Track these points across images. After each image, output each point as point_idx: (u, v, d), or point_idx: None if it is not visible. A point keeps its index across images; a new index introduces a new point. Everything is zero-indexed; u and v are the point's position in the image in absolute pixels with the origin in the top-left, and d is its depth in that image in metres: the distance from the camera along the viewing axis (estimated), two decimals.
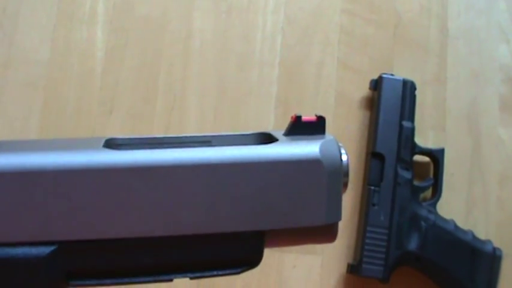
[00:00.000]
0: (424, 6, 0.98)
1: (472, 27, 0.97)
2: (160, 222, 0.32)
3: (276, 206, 0.33)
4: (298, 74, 0.95)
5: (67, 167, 0.32)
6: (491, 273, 0.85)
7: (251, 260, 0.34)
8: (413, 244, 0.85)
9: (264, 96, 0.94)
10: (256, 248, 0.34)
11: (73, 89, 0.93)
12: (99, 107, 0.93)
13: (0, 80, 0.93)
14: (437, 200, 0.89)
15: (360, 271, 0.84)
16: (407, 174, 0.87)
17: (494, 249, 0.86)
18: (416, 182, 0.89)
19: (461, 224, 0.89)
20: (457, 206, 0.91)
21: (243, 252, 0.34)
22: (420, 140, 0.91)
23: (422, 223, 0.86)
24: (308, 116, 0.36)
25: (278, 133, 0.37)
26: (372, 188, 0.87)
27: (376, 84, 0.91)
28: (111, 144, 0.35)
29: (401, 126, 0.88)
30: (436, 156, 0.90)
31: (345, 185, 0.35)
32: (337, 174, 0.34)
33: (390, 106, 0.89)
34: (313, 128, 0.36)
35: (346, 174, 0.35)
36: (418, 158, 0.91)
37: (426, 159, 0.91)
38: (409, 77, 0.91)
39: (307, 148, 0.34)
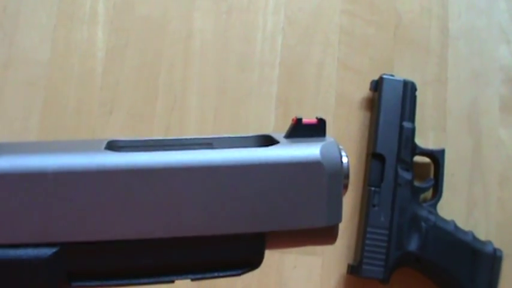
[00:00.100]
0: (425, 7, 0.98)
1: (472, 27, 0.97)
2: (162, 224, 0.33)
3: (277, 208, 0.33)
4: (299, 75, 0.95)
5: (69, 169, 0.32)
6: (492, 274, 0.85)
7: (252, 262, 0.34)
8: (413, 245, 0.85)
9: (264, 97, 0.94)
10: (257, 249, 0.34)
11: (73, 89, 0.93)
12: (100, 107, 0.93)
13: (0, 80, 0.93)
14: (438, 200, 0.89)
15: (360, 272, 0.84)
16: (407, 175, 0.87)
17: (495, 250, 0.86)
18: (416, 183, 0.89)
19: (462, 224, 0.89)
20: (457, 206, 0.91)
21: (244, 254, 0.34)
22: (421, 141, 0.91)
23: (423, 224, 0.86)
24: (309, 119, 0.36)
25: (279, 135, 0.37)
26: (372, 188, 0.87)
27: (377, 85, 0.91)
28: (112, 146, 0.35)
29: (401, 126, 0.88)
30: (437, 157, 0.90)
31: (345, 187, 0.35)
32: (337, 176, 0.34)
33: (391, 107, 0.89)
34: (314, 130, 0.36)
35: (347, 176, 0.35)
36: (418, 158, 0.91)
37: (426, 159, 0.91)
38: (409, 77, 0.91)
39: (308, 150, 0.34)
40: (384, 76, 0.90)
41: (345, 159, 0.35)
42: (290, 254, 0.89)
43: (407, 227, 0.85)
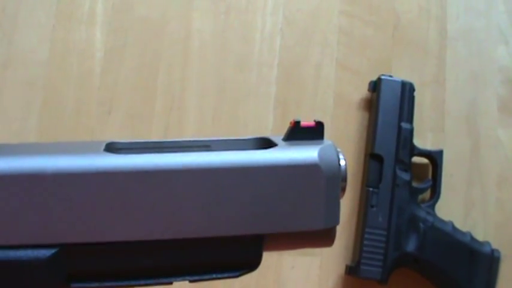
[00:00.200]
0: (423, 8, 0.98)
1: (471, 28, 0.97)
2: (160, 225, 0.33)
3: (275, 210, 0.34)
4: (297, 75, 0.95)
5: (68, 171, 0.32)
6: (490, 274, 0.85)
7: (250, 264, 0.34)
8: (411, 245, 0.85)
9: (262, 97, 0.94)
10: (255, 251, 0.34)
11: (72, 89, 0.93)
12: (98, 107, 0.93)
13: None
14: (436, 201, 0.89)
15: (358, 272, 0.85)
16: (405, 176, 0.87)
17: (493, 250, 0.87)
18: (415, 184, 0.89)
19: (460, 225, 0.89)
20: (455, 207, 0.91)
21: (242, 256, 0.34)
22: (419, 142, 0.91)
23: (421, 224, 0.86)
24: (307, 121, 0.37)
25: (277, 138, 0.37)
26: (371, 189, 0.87)
27: (375, 86, 0.91)
28: (111, 148, 0.35)
29: (400, 127, 0.88)
30: (435, 158, 0.90)
31: (343, 189, 0.35)
32: (335, 179, 0.35)
33: (389, 107, 0.89)
34: (312, 133, 0.36)
35: (344, 179, 0.35)
36: (416, 159, 0.91)
37: (425, 160, 0.92)
38: (408, 78, 0.91)
39: (306, 153, 0.34)
40: (382, 77, 0.90)
41: (342, 162, 0.35)
42: (288, 254, 0.89)
43: (405, 228, 0.85)
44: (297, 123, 0.36)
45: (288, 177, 0.34)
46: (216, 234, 0.33)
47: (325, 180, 0.34)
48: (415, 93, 0.91)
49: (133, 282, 0.33)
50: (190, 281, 0.33)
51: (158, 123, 0.93)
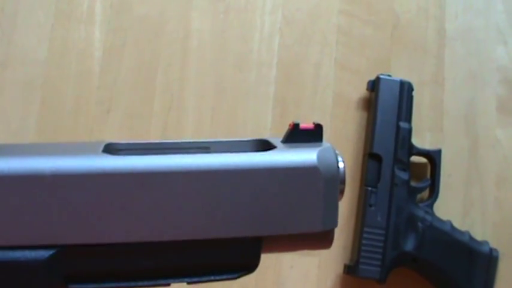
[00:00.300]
0: (422, 7, 0.98)
1: (469, 28, 0.97)
2: (159, 227, 0.33)
3: (274, 212, 0.34)
4: (296, 75, 0.95)
5: (67, 172, 0.32)
6: (488, 274, 0.86)
7: (248, 265, 0.34)
8: (410, 245, 0.85)
9: (261, 97, 0.94)
10: (254, 253, 0.34)
11: (71, 89, 0.93)
12: (97, 107, 0.93)
13: None
14: (434, 200, 0.89)
15: (357, 272, 0.85)
16: (404, 175, 0.87)
17: (491, 250, 0.87)
18: (413, 183, 0.89)
19: (458, 224, 0.89)
20: (454, 206, 0.92)
21: (241, 258, 0.34)
22: (417, 141, 0.91)
23: (419, 224, 0.86)
24: (306, 124, 0.37)
25: (276, 140, 0.37)
26: (369, 188, 0.87)
27: (374, 85, 0.91)
28: (110, 149, 0.35)
29: (398, 127, 0.89)
30: (433, 157, 0.90)
31: (341, 192, 0.36)
32: (334, 182, 0.35)
33: (387, 107, 0.89)
34: (311, 135, 0.36)
35: (343, 181, 0.35)
36: (415, 158, 0.91)
37: (423, 160, 0.92)
38: (406, 77, 0.91)
39: (305, 155, 0.34)
40: (381, 76, 0.90)
41: (341, 165, 0.35)
42: (287, 254, 0.89)
43: (404, 227, 0.86)
44: (296, 126, 0.36)
45: (286, 180, 0.34)
46: (215, 236, 0.33)
47: (323, 182, 0.34)
48: (414, 93, 0.91)
49: (131, 284, 0.33)
50: (188, 283, 0.34)
51: (157, 122, 0.93)
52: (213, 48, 0.95)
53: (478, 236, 0.89)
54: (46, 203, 0.32)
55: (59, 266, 0.32)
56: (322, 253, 0.89)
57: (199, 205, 0.33)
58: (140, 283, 0.33)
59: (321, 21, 0.97)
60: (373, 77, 0.92)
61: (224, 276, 0.34)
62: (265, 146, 0.37)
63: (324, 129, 0.37)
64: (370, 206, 0.86)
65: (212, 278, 0.34)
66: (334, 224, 0.35)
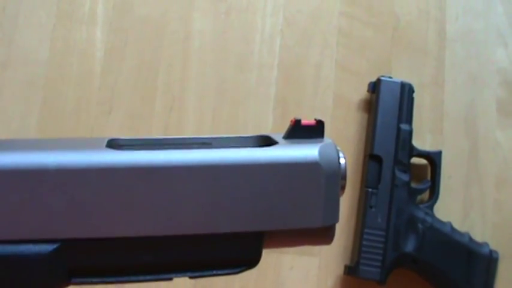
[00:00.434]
0: (423, 10, 0.98)
1: (470, 30, 0.98)
2: (161, 222, 0.33)
3: (275, 207, 0.34)
4: (297, 76, 0.95)
5: (70, 166, 0.32)
6: (488, 275, 0.86)
7: (250, 260, 0.34)
8: (410, 246, 0.85)
9: (262, 98, 0.94)
10: (255, 248, 0.34)
11: (72, 89, 0.94)
12: (98, 107, 0.93)
13: None
14: (435, 202, 0.89)
15: (357, 273, 0.85)
16: (404, 177, 0.87)
17: (491, 251, 0.87)
18: (413, 184, 0.89)
19: (458, 226, 0.89)
20: (454, 208, 0.92)
21: (242, 253, 0.34)
22: (418, 143, 0.91)
23: (420, 225, 0.86)
24: (307, 120, 0.37)
25: (278, 136, 0.37)
26: (370, 190, 0.87)
27: (374, 87, 0.91)
28: (113, 144, 0.36)
29: (399, 128, 0.89)
30: (434, 159, 0.91)
31: (343, 188, 0.36)
32: (335, 177, 0.35)
33: (388, 108, 0.89)
34: (312, 131, 0.37)
35: (344, 177, 0.36)
36: (415, 160, 0.91)
37: (424, 161, 0.92)
38: (407, 79, 0.92)
39: (306, 151, 0.35)
40: (382, 78, 0.91)
41: (342, 161, 0.35)
42: (287, 254, 0.89)
43: (404, 228, 0.86)
44: (297, 122, 0.37)
45: (288, 175, 0.34)
46: (216, 231, 0.33)
47: (325, 178, 0.34)
48: (414, 95, 0.91)
49: (133, 278, 0.33)
50: (191, 277, 0.34)
51: (158, 123, 0.93)
52: (214, 49, 0.96)
53: (478, 237, 0.89)
54: (50, 198, 0.32)
55: (63, 260, 0.32)
56: (323, 254, 0.89)
57: (201, 200, 0.33)
58: (143, 277, 0.33)
59: (322, 23, 0.97)
60: (373, 79, 0.92)
61: (226, 271, 0.34)
62: (266, 141, 0.37)
63: (325, 130, 0.37)
64: (371, 207, 0.86)
65: (214, 272, 0.34)
66: (335, 219, 0.35)
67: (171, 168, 0.33)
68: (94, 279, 0.33)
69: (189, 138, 0.37)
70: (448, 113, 0.95)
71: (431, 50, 0.97)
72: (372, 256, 0.85)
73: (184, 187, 0.33)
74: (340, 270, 0.89)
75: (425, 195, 0.91)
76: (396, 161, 0.88)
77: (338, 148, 0.36)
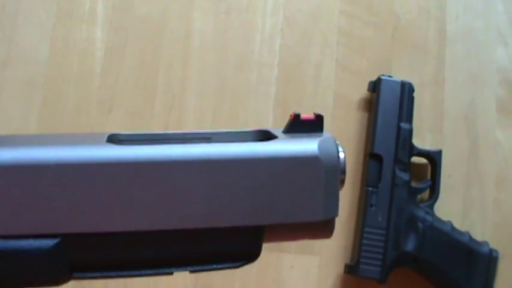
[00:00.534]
0: (423, 9, 0.98)
1: (470, 29, 0.98)
2: (162, 216, 0.33)
3: (275, 201, 0.34)
4: (297, 75, 0.95)
5: (71, 161, 0.32)
6: (488, 274, 0.86)
7: (250, 254, 0.34)
8: (410, 245, 0.85)
9: (262, 97, 0.94)
10: (255, 242, 0.34)
11: (72, 88, 0.94)
12: (98, 106, 0.93)
13: None
14: (435, 201, 0.89)
15: (357, 272, 0.85)
16: (405, 176, 0.87)
17: (491, 250, 0.87)
18: (413, 184, 0.89)
19: (458, 225, 0.89)
20: (454, 207, 0.92)
21: (242, 247, 0.34)
22: (418, 142, 0.91)
23: (420, 224, 0.86)
24: (307, 115, 0.37)
25: (277, 130, 0.37)
26: (370, 189, 0.87)
27: (375, 86, 0.92)
28: (113, 139, 0.36)
29: (399, 127, 0.89)
30: (434, 158, 0.91)
31: (342, 182, 0.36)
32: (334, 171, 0.35)
33: (388, 107, 0.89)
34: (312, 126, 0.37)
35: (343, 171, 0.36)
36: (415, 159, 0.91)
37: (424, 160, 0.92)
38: (407, 78, 0.92)
39: (306, 145, 0.35)
40: (382, 77, 0.91)
41: (341, 155, 0.36)
42: (288, 253, 0.89)
43: (404, 227, 0.86)
44: (297, 116, 0.37)
45: (288, 169, 0.34)
46: (217, 225, 0.33)
47: (324, 172, 0.34)
48: (414, 94, 0.91)
49: (134, 272, 0.33)
50: (191, 272, 0.34)
51: (158, 122, 0.93)
52: (215, 49, 0.96)
53: (478, 236, 0.89)
54: (50, 193, 0.32)
55: (64, 255, 0.32)
56: (323, 253, 0.89)
57: (201, 194, 0.33)
58: (144, 272, 0.33)
59: (322, 22, 0.97)
60: (374, 78, 0.92)
61: (226, 265, 0.34)
62: (266, 136, 0.37)
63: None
64: (371, 206, 0.86)
65: (214, 266, 0.34)
66: (335, 213, 0.35)
67: (171, 162, 0.33)
68: (95, 274, 0.33)
69: (189, 133, 0.37)
70: (448, 112, 0.95)
71: (432, 49, 0.97)
72: (372, 255, 0.85)
73: (184, 181, 0.33)
74: (340, 269, 0.89)
75: (426, 194, 0.91)
76: (396, 160, 0.88)
77: (337, 142, 0.36)
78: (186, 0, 0.97)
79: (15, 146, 0.33)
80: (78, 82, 0.94)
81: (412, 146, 0.89)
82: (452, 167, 0.93)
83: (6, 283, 0.32)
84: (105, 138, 0.35)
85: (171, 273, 0.33)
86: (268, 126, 0.93)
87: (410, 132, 0.89)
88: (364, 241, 0.85)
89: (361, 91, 0.94)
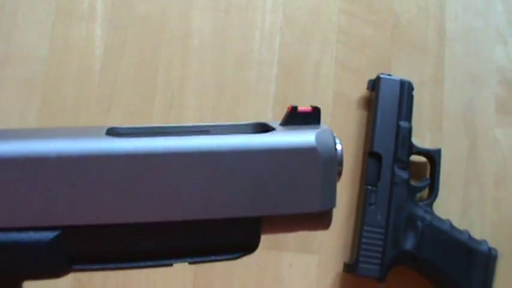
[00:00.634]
0: (422, 8, 0.98)
1: (469, 29, 0.98)
2: (161, 208, 0.33)
3: (273, 192, 0.34)
4: (297, 74, 0.95)
5: (71, 154, 0.32)
6: (487, 273, 0.86)
7: (248, 246, 0.35)
8: (409, 244, 0.85)
9: (262, 95, 0.94)
10: (254, 233, 0.34)
11: (71, 87, 0.94)
12: (97, 105, 0.93)
13: None
14: (434, 200, 0.89)
15: (357, 270, 0.85)
16: (404, 174, 0.87)
17: (490, 249, 0.87)
18: (413, 182, 0.89)
19: (457, 224, 0.89)
20: (453, 206, 0.92)
21: (241, 238, 0.35)
22: (417, 140, 0.91)
23: (419, 223, 0.86)
24: (304, 107, 0.37)
25: (275, 123, 0.38)
26: (369, 187, 0.87)
27: (374, 85, 0.92)
28: (112, 133, 0.36)
29: (398, 126, 0.89)
30: (433, 157, 0.91)
31: (339, 173, 0.36)
32: (332, 163, 0.35)
33: (388, 106, 0.89)
34: (309, 118, 0.37)
35: (341, 163, 0.36)
36: (414, 158, 0.91)
37: (423, 159, 0.92)
38: (406, 77, 0.92)
39: (303, 137, 0.35)
40: (381, 76, 0.91)
41: (339, 147, 0.36)
42: (287, 252, 0.89)
43: (403, 226, 0.86)
44: (294, 109, 0.37)
45: (285, 161, 0.34)
46: (215, 216, 0.34)
47: (322, 163, 0.34)
48: (414, 93, 0.91)
49: (133, 264, 0.33)
50: (190, 263, 0.34)
51: (157, 121, 0.93)
52: (214, 47, 0.96)
53: (477, 235, 0.89)
54: (50, 185, 0.32)
55: (63, 247, 0.32)
56: (322, 251, 0.89)
57: (199, 186, 0.33)
58: (143, 264, 0.33)
59: (322, 21, 0.97)
60: (373, 77, 0.92)
61: (225, 257, 0.34)
62: (264, 128, 0.37)
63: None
64: (370, 204, 0.86)
65: (213, 258, 0.34)
66: (333, 204, 0.35)
67: (170, 154, 0.33)
68: (94, 266, 0.33)
69: (188, 126, 0.37)
70: (447, 111, 0.95)
71: (431, 48, 0.97)
72: (371, 254, 0.85)
73: (183, 173, 0.33)
74: (339, 267, 0.89)
75: (425, 193, 0.91)
76: (396, 158, 0.88)
77: (334, 134, 0.36)
78: None
79: (14, 139, 0.33)
80: (77, 80, 0.94)
81: (411, 145, 0.89)
82: (451, 165, 0.93)
83: (6, 275, 0.32)
84: (104, 131, 0.35)
85: (171, 265, 0.33)
86: None
87: (409, 130, 0.89)
88: (363, 240, 0.85)
89: (361, 90, 0.94)
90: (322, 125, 0.37)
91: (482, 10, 0.99)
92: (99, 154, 0.33)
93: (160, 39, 0.95)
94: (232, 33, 0.96)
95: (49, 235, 0.32)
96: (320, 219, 0.36)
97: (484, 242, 0.88)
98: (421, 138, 0.93)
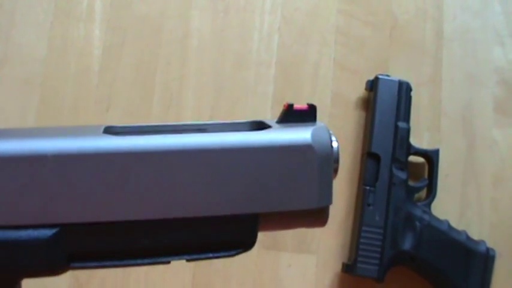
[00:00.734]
0: (420, 9, 0.98)
1: (467, 29, 0.98)
2: (158, 205, 0.33)
3: (270, 189, 0.34)
4: (295, 74, 0.95)
5: (69, 152, 0.32)
6: (485, 273, 0.86)
7: (245, 243, 0.35)
8: (407, 244, 0.85)
9: (260, 96, 0.94)
10: (251, 231, 0.35)
11: (70, 87, 0.94)
12: (96, 105, 0.93)
13: None
14: (432, 200, 0.89)
15: (355, 270, 0.85)
16: (402, 175, 0.87)
17: (488, 249, 0.87)
18: (411, 183, 0.89)
19: (455, 224, 0.89)
20: (451, 206, 0.92)
21: (238, 235, 0.35)
22: (415, 141, 0.91)
23: (417, 223, 0.86)
24: (300, 105, 0.37)
25: (271, 121, 0.38)
26: (367, 188, 0.87)
27: (372, 85, 0.92)
28: (110, 131, 0.36)
29: (396, 126, 0.89)
30: (431, 157, 0.91)
31: (335, 170, 0.36)
32: (328, 160, 0.35)
33: (386, 107, 0.90)
34: (305, 115, 0.37)
35: (337, 160, 0.36)
36: (413, 158, 0.91)
37: (421, 159, 0.92)
38: (404, 78, 0.92)
39: (299, 134, 0.35)
40: (380, 76, 0.91)
41: (335, 144, 0.36)
42: (285, 252, 0.89)
43: (401, 226, 0.86)
44: (290, 106, 0.37)
45: (281, 158, 0.34)
46: (212, 214, 0.34)
47: (318, 160, 0.35)
48: (412, 93, 0.91)
49: (131, 262, 0.33)
50: (188, 260, 0.34)
51: (156, 121, 0.93)
52: (213, 47, 0.96)
53: (475, 235, 0.89)
54: (48, 183, 0.32)
55: (61, 245, 0.32)
56: (320, 251, 0.89)
57: (197, 183, 0.33)
58: (141, 261, 0.33)
59: (320, 21, 0.97)
60: (371, 77, 0.92)
61: (222, 254, 0.34)
62: (260, 126, 0.37)
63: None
64: (368, 205, 0.86)
65: (210, 255, 0.34)
66: (329, 201, 0.36)
67: (167, 152, 0.33)
68: (92, 264, 0.33)
69: (185, 125, 0.38)
70: (445, 111, 0.95)
71: (429, 48, 0.97)
72: (369, 254, 0.85)
73: (180, 171, 0.33)
74: (338, 267, 0.89)
75: (423, 193, 0.91)
76: (394, 159, 0.88)
77: (330, 132, 0.36)
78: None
79: (12, 138, 0.33)
80: (76, 81, 0.94)
81: (409, 145, 0.89)
82: (449, 166, 0.93)
83: (5, 273, 0.32)
84: (102, 129, 0.36)
85: (168, 262, 0.34)
86: None
87: (407, 131, 0.89)
88: (362, 240, 0.85)
89: (359, 90, 0.94)
90: (318, 122, 0.37)
91: (480, 11, 0.99)
92: (96, 152, 0.33)
93: (159, 39, 0.96)
94: (231, 33, 0.96)
95: (47, 233, 0.32)
96: (317, 216, 0.36)
97: (482, 242, 0.88)
98: (419, 139, 0.93)
